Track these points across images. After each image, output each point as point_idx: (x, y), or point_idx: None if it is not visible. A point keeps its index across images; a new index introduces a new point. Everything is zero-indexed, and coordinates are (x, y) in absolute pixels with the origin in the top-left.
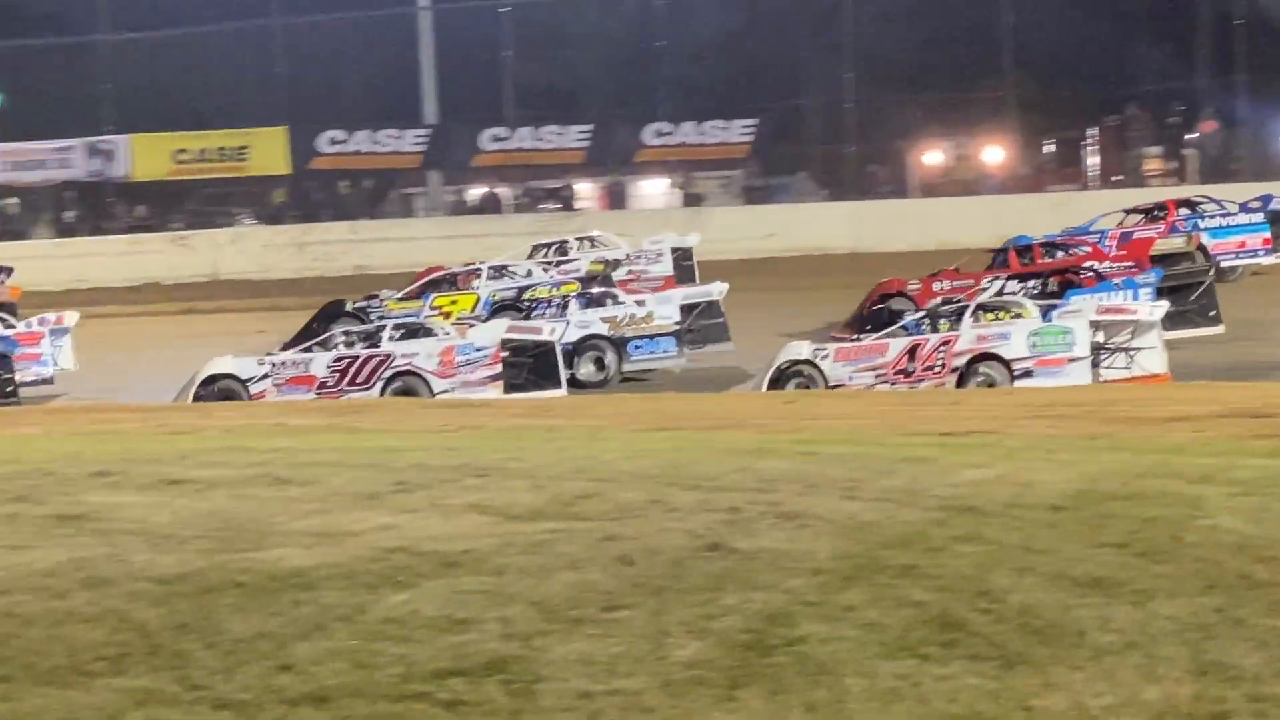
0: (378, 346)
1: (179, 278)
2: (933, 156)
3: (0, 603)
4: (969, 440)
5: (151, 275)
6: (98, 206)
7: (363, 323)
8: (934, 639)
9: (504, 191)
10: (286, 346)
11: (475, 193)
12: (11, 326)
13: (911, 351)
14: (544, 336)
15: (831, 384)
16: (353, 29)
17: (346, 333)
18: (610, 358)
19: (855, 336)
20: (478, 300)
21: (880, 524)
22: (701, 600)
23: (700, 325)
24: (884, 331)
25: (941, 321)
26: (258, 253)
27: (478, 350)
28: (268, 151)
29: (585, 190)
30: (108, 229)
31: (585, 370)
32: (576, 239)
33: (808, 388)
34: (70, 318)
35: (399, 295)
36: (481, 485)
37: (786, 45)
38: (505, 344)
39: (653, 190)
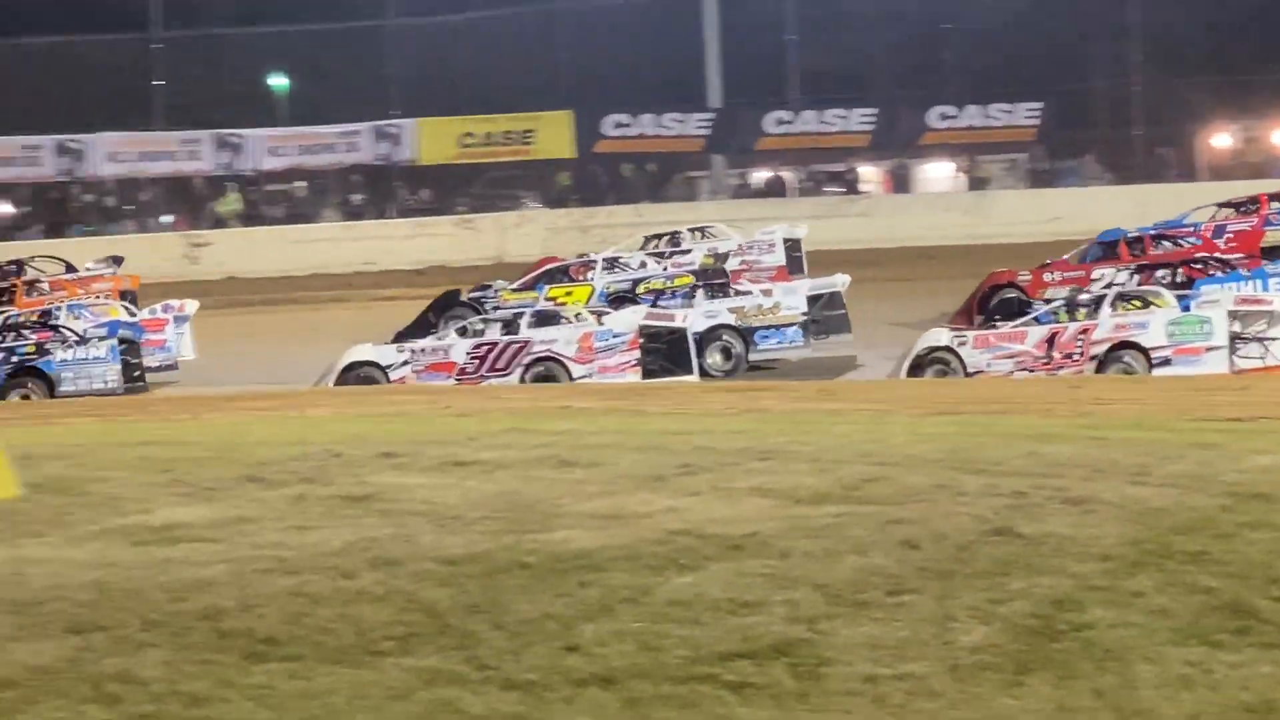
0: (516, 333)
1: (465, 260)
2: (1221, 139)
3: (290, 582)
4: (1257, 426)
5: (437, 258)
6: (384, 190)
7: (477, 313)
8: (1225, 626)
9: (787, 175)
10: (401, 337)
11: (759, 176)
12: (133, 314)
13: (1050, 339)
14: (678, 324)
15: (970, 371)
16: (638, 12)
17: (484, 320)
18: (738, 347)
19: (971, 326)
20: (592, 292)
21: (1168, 510)
22: (987, 585)
23: (823, 316)
24: (1021, 320)
25: (1079, 310)
26: (542, 236)
27: (615, 336)
28: (552, 135)
29: (869, 174)
30: (393, 212)
31: (713, 360)
32: (689, 230)
33: (945, 375)
34: (190, 306)
35: (513, 286)
36: (765, 468)
37: (1074, 27)
38: (642, 330)
39: (937, 174)
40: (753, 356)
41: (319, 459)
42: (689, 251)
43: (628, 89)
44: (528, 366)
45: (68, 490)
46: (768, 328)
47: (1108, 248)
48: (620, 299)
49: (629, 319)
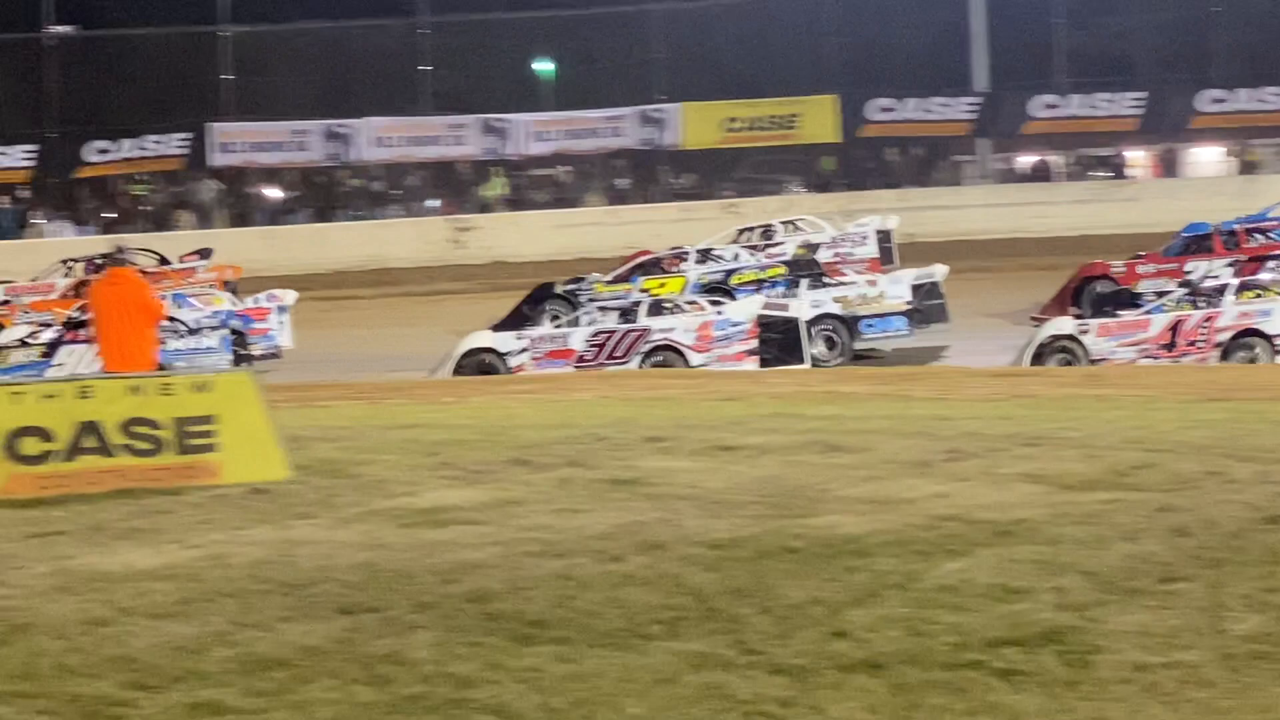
0: (634, 321)
1: None
2: None
3: (557, 565)
4: None
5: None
6: (648, 174)
7: (572, 305)
8: None
9: (1054, 159)
10: (497, 328)
11: (1024, 160)
12: (235, 305)
13: (1174, 327)
14: (790, 314)
15: (1093, 359)
16: None
17: (603, 309)
18: (842, 336)
19: (1055, 317)
20: (686, 283)
21: None
22: (1261, 574)
23: (924, 305)
24: (1145, 308)
25: (1200, 299)
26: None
27: (734, 325)
28: (817, 119)
29: (1136, 158)
30: (657, 197)
31: (817, 349)
32: (782, 223)
33: (1069, 363)
34: (290, 296)
35: (607, 278)
36: (1033, 454)
37: None
38: (759, 319)
39: (1206, 158)
40: (857, 345)
41: (585, 442)
42: (782, 244)
43: (893, 73)
44: (646, 355)
45: (336, 472)
46: (873, 316)
47: (1195, 241)
48: (712, 290)
49: (748, 308)
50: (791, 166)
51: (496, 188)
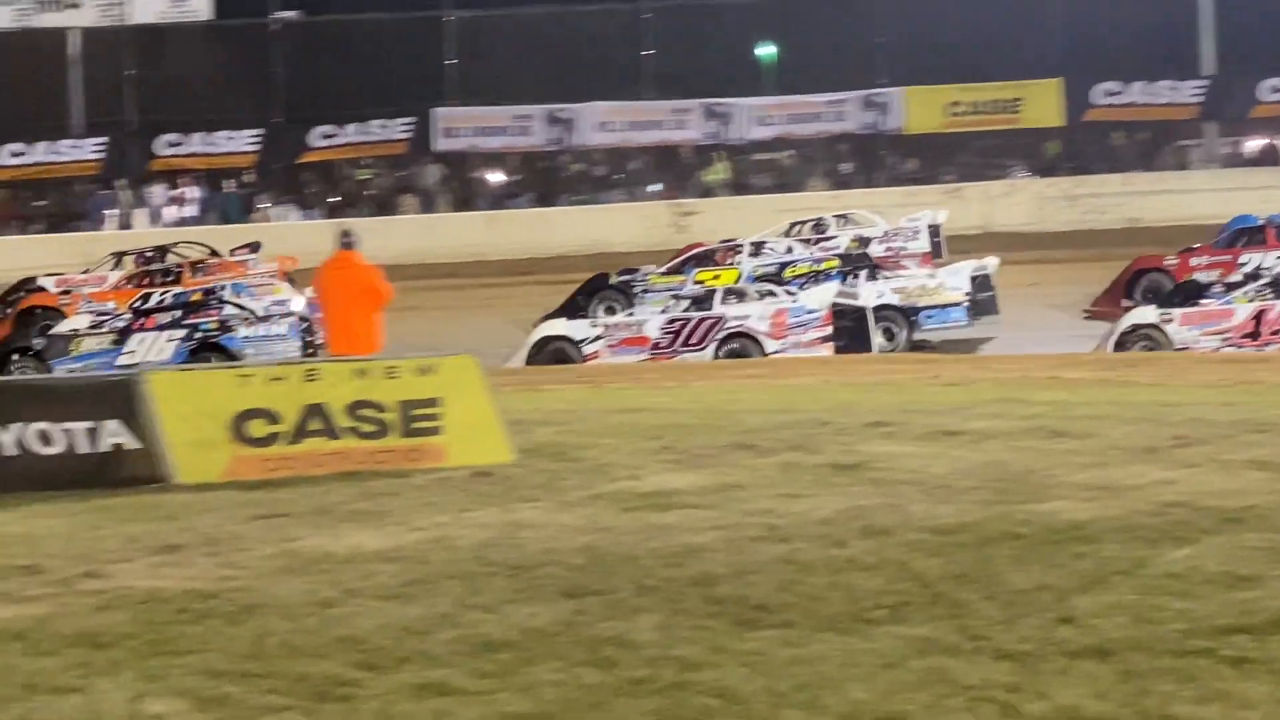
0: (709, 309)
1: (951, 229)
2: None
3: (781, 549)
4: None
5: None
6: (871, 159)
7: (626, 297)
8: None
9: None
10: (549, 318)
11: (1253, 145)
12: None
13: (1258, 316)
14: (858, 302)
15: (1177, 347)
16: None
17: (675, 297)
18: (900, 327)
19: (1118, 309)
20: (739, 275)
21: None
22: None
23: (978, 297)
24: (1230, 296)
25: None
26: (1029, 205)
27: (809, 312)
28: (1040, 103)
29: None
30: (880, 182)
31: (876, 340)
32: (834, 216)
33: (1151, 350)
34: None
35: (661, 270)
36: (1262, 441)
37: None
38: (832, 307)
39: None
40: (915, 336)
41: (807, 427)
42: (834, 237)
43: (1118, 56)
44: (721, 342)
45: (559, 456)
46: (932, 307)
47: (1246, 234)
48: (766, 282)
49: (822, 295)
50: (1015, 151)
51: (719, 172)
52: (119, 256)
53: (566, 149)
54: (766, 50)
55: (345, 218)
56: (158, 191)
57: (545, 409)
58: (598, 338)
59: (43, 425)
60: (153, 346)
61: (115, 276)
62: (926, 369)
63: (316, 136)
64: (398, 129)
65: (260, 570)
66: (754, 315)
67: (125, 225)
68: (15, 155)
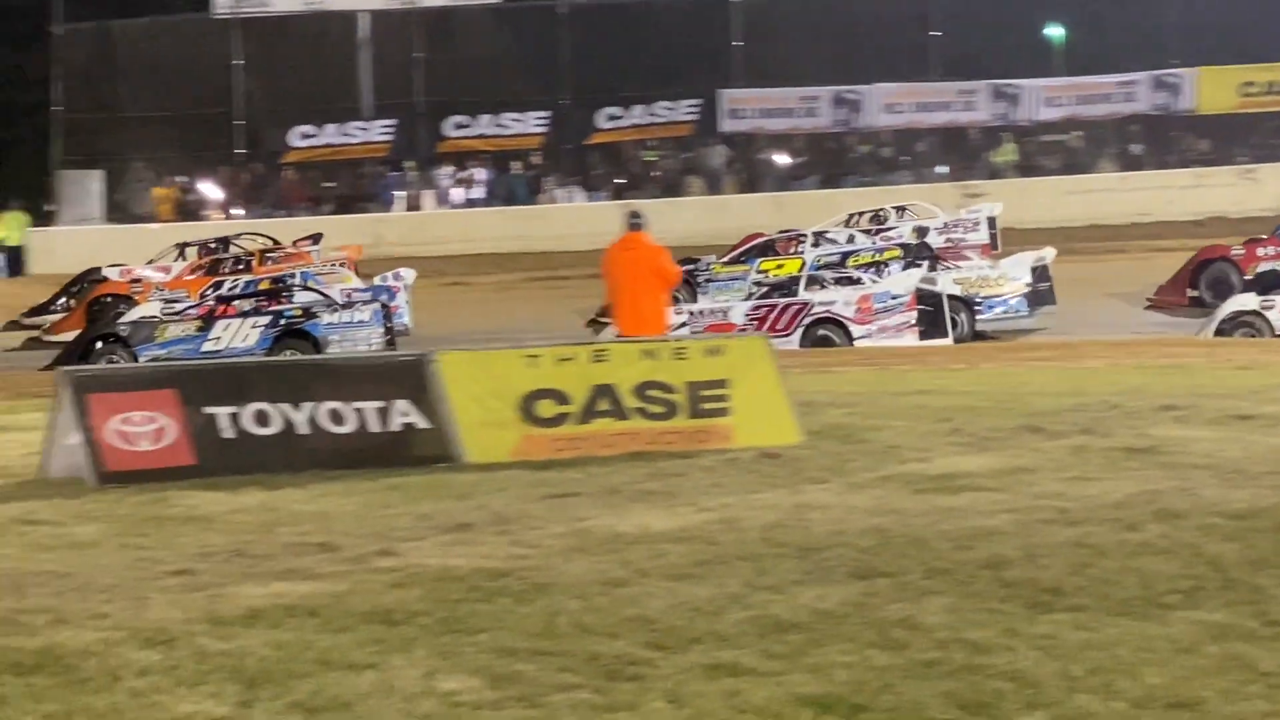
0: (794, 295)
1: (1243, 212)
2: None
3: (1073, 533)
4: None
5: (1216, 210)
6: (1162, 140)
7: (690, 286)
8: None
9: None
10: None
11: None
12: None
13: None
14: (936, 289)
15: (1278, 333)
16: None
17: (759, 283)
18: (962, 317)
19: (1183, 300)
20: (802, 265)
21: None
22: None
23: (1038, 287)
24: None
25: None
26: None
27: (894, 297)
28: None
29: None
30: (1171, 163)
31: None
32: (893, 208)
33: (1252, 336)
34: (410, 276)
35: (723, 259)
36: None
37: None
38: (917, 292)
39: None
40: (977, 326)
41: (1097, 410)
42: (894, 228)
43: None
44: (808, 328)
45: (847, 437)
46: (994, 297)
47: None
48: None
49: (907, 280)
50: None
51: (1007, 153)
52: (182, 247)
53: (853, 130)
54: (1055, 30)
55: (631, 199)
56: (445, 173)
57: (832, 390)
58: (683, 325)
59: (334, 404)
60: (238, 333)
61: (179, 267)
62: (1217, 352)
63: (603, 118)
64: (684, 110)
65: (550, 549)
66: (840, 300)
67: (414, 206)
68: (306, 137)
